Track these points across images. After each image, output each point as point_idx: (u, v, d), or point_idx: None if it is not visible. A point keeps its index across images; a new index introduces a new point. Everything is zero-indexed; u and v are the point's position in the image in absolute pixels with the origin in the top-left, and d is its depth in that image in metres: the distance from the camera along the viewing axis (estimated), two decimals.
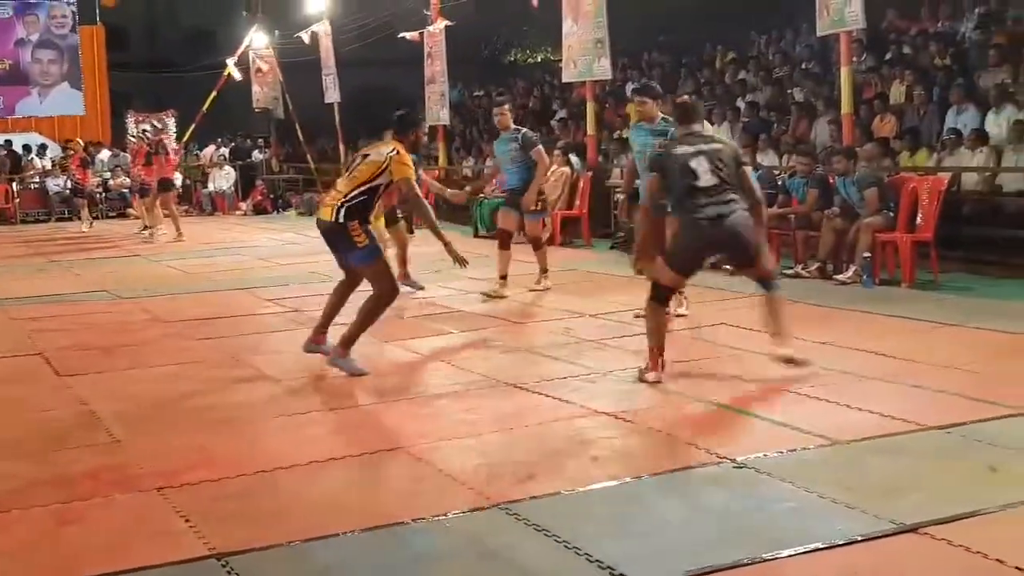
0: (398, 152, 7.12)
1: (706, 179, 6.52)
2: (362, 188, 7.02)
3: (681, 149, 6.68)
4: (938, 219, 10.33)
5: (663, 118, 8.67)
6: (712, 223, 6.46)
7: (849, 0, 11.27)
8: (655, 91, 8.99)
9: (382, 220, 10.17)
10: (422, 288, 10.69)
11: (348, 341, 7.10)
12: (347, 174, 7.22)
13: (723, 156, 6.65)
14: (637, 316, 8.76)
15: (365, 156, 7.21)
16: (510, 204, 10.56)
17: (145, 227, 18.82)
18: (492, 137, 22.16)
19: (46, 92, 29.60)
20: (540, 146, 10.43)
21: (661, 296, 6.71)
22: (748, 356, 7.14)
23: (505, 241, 10.42)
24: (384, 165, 7.04)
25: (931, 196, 10.43)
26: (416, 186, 7.33)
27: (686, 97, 8.23)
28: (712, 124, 15.65)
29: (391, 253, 10.03)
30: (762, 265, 6.78)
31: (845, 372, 6.41)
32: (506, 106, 10.80)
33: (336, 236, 7.08)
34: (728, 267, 9.25)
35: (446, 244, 7.49)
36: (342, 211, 6.99)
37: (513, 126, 10.56)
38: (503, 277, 10.24)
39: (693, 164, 6.55)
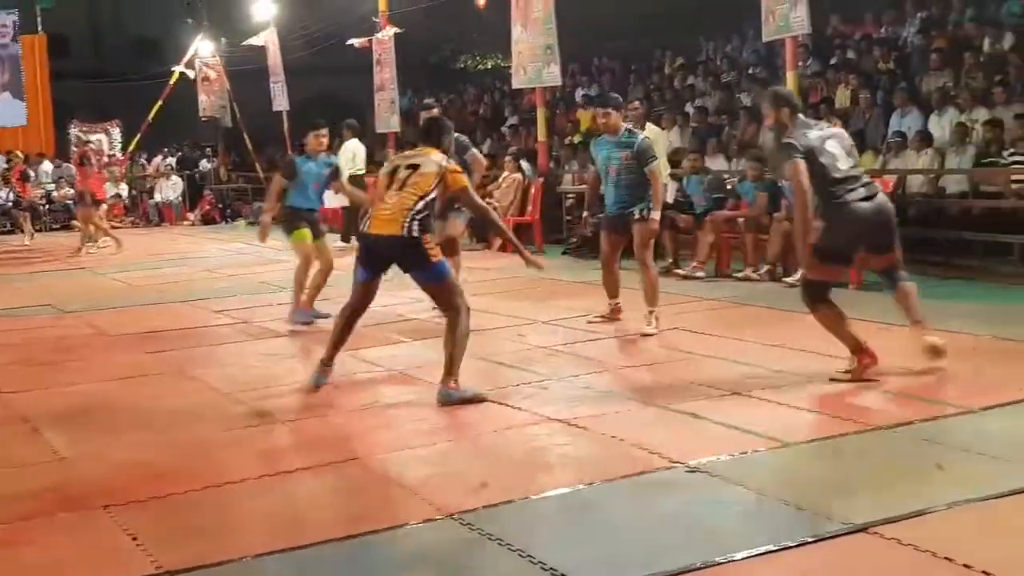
0: (449, 161, 6.74)
1: (845, 162, 6.32)
2: (424, 200, 6.46)
3: (814, 133, 6.36)
4: None
5: (627, 129, 8.52)
6: (868, 204, 6.24)
7: (795, 5, 11.35)
8: (617, 101, 8.78)
9: (308, 234, 9.28)
10: (326, 316, 8.94)
11: (452, 370, 6.44)
12: (395, 185, 6.51)
13: (845, 139, 6.54)
14: (591, 322, 8.79)
15: (414, 167, 6.57)
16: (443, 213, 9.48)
17: (89, 240, 18.55)
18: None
19: None
20: (473, 149, 9.86)
21: (820, 294, 6.40)
22: (700, 360, 7.17)
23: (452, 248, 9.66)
24: (440, 175, 6.55)
25: None
26: (475, 193, 7.01)
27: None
28: (662, 128, 15.78)
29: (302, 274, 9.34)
30: (897, 253, 6.59)
31: (795, 374, 6.44)
32: (324, 129, 9.59)
33: (406, 251, 6.46)
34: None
35: (520, 250, 7.21)
36: (414, 225, 6.39)
37: (325, 151, 9.62)
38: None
39: (830, 147, 6.31)
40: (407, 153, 6.91)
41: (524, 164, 16.33)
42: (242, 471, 5.19)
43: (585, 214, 9.32)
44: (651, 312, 8.28)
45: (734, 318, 8.74)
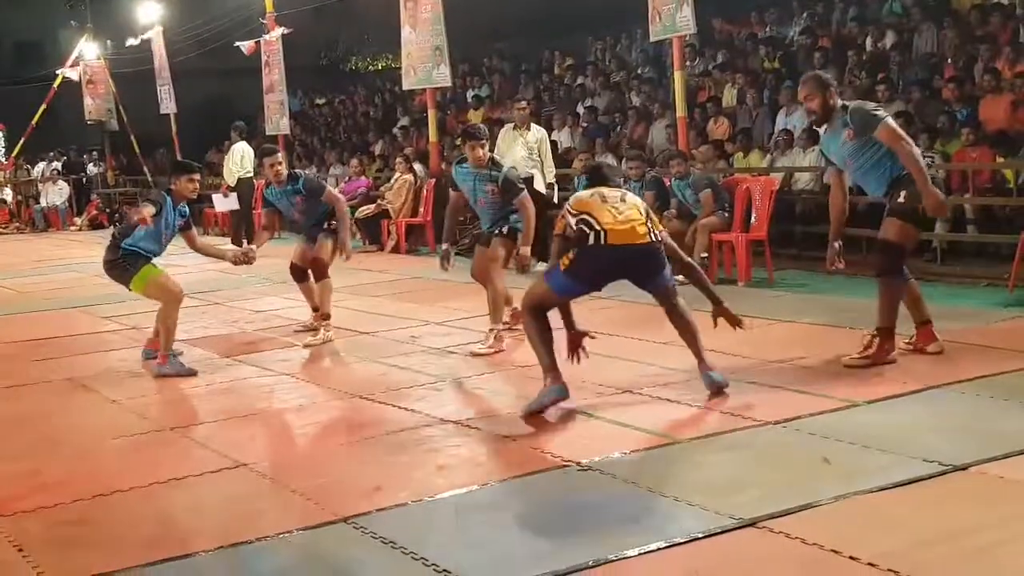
0: None
1: None
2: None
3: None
4: (771, 218, 10.67)
5: (491, 159, 8.19)
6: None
7: (680, 6, 11.54)
8: (485, 133, 8.31)
9: (153, 267, 7.85)
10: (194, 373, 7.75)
11: (703, 356, 6.16)
12: (612, 204, 5.98)
13: None
14: (473, 352, 8.57)
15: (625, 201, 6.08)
16: (310, 238, 8.92)
17: None
18: (335, 145, 22.11)
19: None
20: (327, 188, 8.98)
21: (900, 264, 6.53)
22: (594, 360, 7.20)
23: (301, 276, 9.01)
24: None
25: (764, 196, 10.77)
26: None
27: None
28: (552, 129, 15.89)
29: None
30: None
31: (685, 371, 6.54)
32: (279, 154, 9.02)
33: (656, 258, 6.09)
34: None
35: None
36: (653, 232, 6.04)
37: (287, 175, 8.79)
38: (327, 316, 8.71)
39: None
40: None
41: (417, 166, 16.33)
42: (131, 479, 5.11)
43: (444, 246, 8.62)
44: (491, 330, 7.90)
45: (625, 317, 8.84)
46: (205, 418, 6.37)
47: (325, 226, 8.74)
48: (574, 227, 5.96)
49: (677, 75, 12.41)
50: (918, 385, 5.99)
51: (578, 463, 4.97)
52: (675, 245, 6.42)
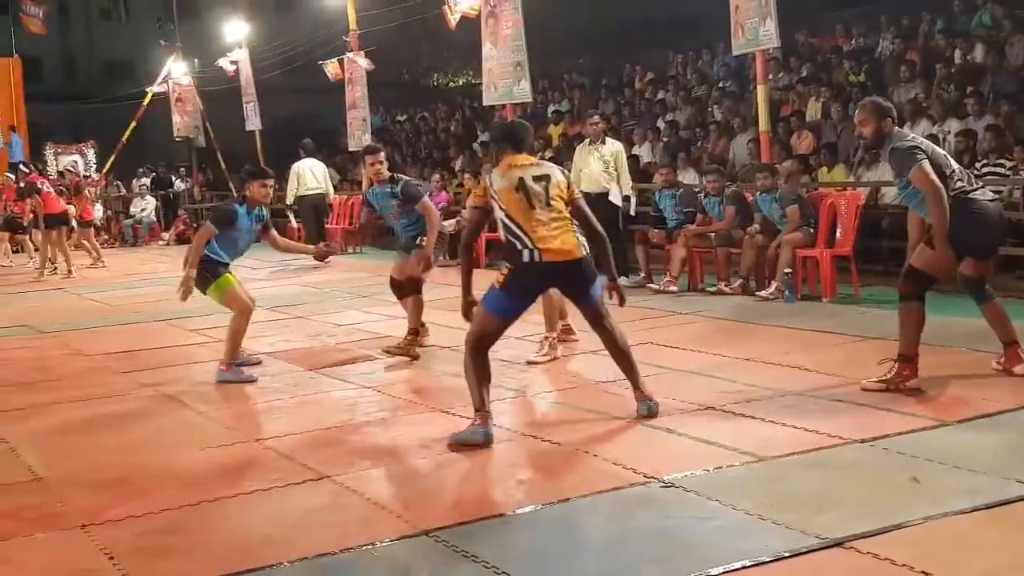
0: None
1: (955, 163, 6.39)
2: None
3: (921, 139, 6.44)
4: (857, 233, 10.51)
5: (391, 176, 8.67)
6: (993, 204, 6.29)
7: (764, 20, 11.45)
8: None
9: (231, 277, 8.21)
10: (259, 362, 8.60)
11: (639, 382, 6.21)
12: (533, 199, 5.96)
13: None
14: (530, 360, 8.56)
15: (545, 177, 6.08)
16: (408, 249, 8.89)
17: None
18: (416, 161, 22.28)
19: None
20: (424, 197, 8.86)
21: (923, 290, 6.38)
22: (674, 374, 7.19)
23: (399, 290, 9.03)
24: (568, 188, 6.15)
25: (849, 211, 10.61)
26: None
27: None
28: (633, 144, 15.87)
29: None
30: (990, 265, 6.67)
31: (768, 388, 6.47)
32: (381, 153, 8.97)
33: (585, 271, 6.06)
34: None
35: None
36: (584, 242, 6.04)
37: (388, 177, 8.85)
38: (415, 331, 8.73)
39: (938, 149, 6.38)
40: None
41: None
42: (217, 490, 5.19)
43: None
44: (545, 338, 8.10)
45: (707, 332, 8.78)
46: (289, 430, 6.43)
47: (419, 241, 8.71)
48: (500, 223, 6.03)
49: (760, 89, 12.31)
50: (1010, 405, 5.86)
51: (660, 480, 4.93)
52: (587, 211, 6.24)
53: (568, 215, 6.03)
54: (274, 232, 8.58)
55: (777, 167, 11.67)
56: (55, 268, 17.86)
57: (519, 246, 5.90)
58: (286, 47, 26.76)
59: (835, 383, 6.62)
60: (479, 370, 5.94)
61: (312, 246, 8.99)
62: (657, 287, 11.36)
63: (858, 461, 5.13)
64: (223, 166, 25.61)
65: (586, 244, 6.03)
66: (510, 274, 5.98)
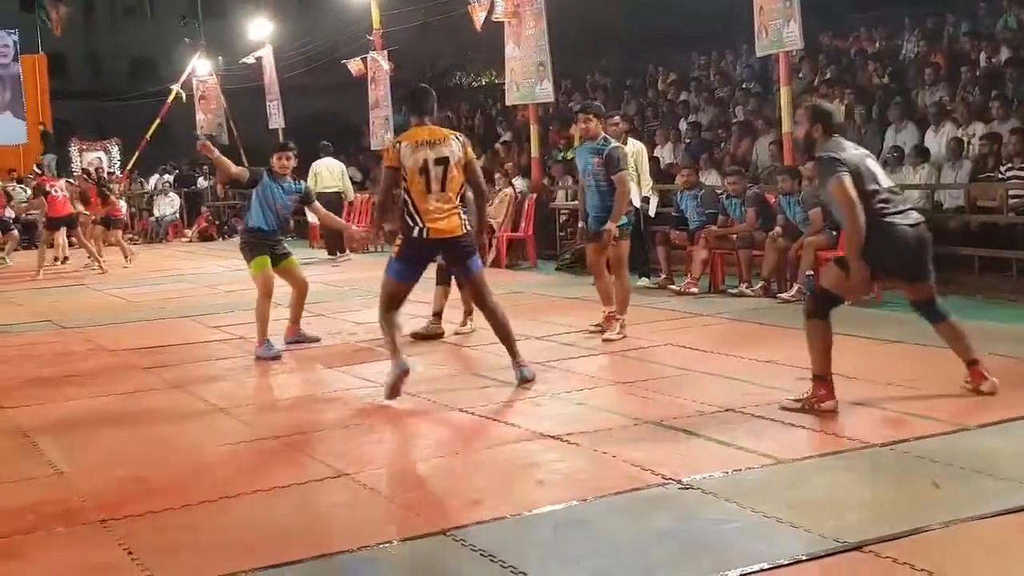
0: (462, 137, 7.16)
1: (886, 181, 6.14)
2: (459, 193, 7.01)
3: (852, 151, 6.11)
4: None
5: (604, 137, 8.75)
6: (913, 230, 6.04)
7: (787, 21, 11.42)
8: (598, 108, 9.07)
9: (267, 260, 8.84)
10: (317, 340, 9.38)
11: (515, 353, 7.23)
12: (432, 184, 6.85)
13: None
14: (589, 331, 8.82)
15: (444, 160, 6.89)
16: None
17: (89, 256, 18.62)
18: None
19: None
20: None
21: (826, 309, 6.18)
22: (694, 376, 7.18)
23: (442, 276, 9.44)
24: (464, 157, 7.01)
25: None
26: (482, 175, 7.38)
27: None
28: (655, 145, 15.84)
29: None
30: (931, 285, 6.37)
31: (789, 390, 6.44)
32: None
33: (463, 247, 7.04)
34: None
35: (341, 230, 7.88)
36: (465, 220, 6.99)
37: None
38: (470, 312, 9.35)
39: (871, 164, 6.11)
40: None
41: (517, 180, 16.40)
42: (237, 486, 5.21)
43: (581, 225, 9.32)
44: (617, 319, 8.69)
45: (728, 334, 8.76)
46: (309, 427, 6.44)
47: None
48: (401, 197, 6.95)
49: (784, 90, 12.28)
50: None
51: (679, 481, 4.92)
52: (478, 172, 7.21)
53: (456, 198, 6.95)
54: (317, 204, 9.53)
55: (800, 169, 11.62)
56: (60, 260, 18.05)
57: (411, 223, 6.91)
58: (309, 46, 26.84)
59: (855, 386, 6.58)
60: (390, 324, 7.04)
61: (348, 224, 10.05)
62: (678, 288, 11.34)
63: (878, 465, 5.11)
64: (246, 164, 25.67)
65: (468, 223, 6.99)
66: (403, 244, 7.00)
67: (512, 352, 7.20)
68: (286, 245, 9.21)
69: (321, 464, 5.56)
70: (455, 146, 6.97)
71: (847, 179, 5.89)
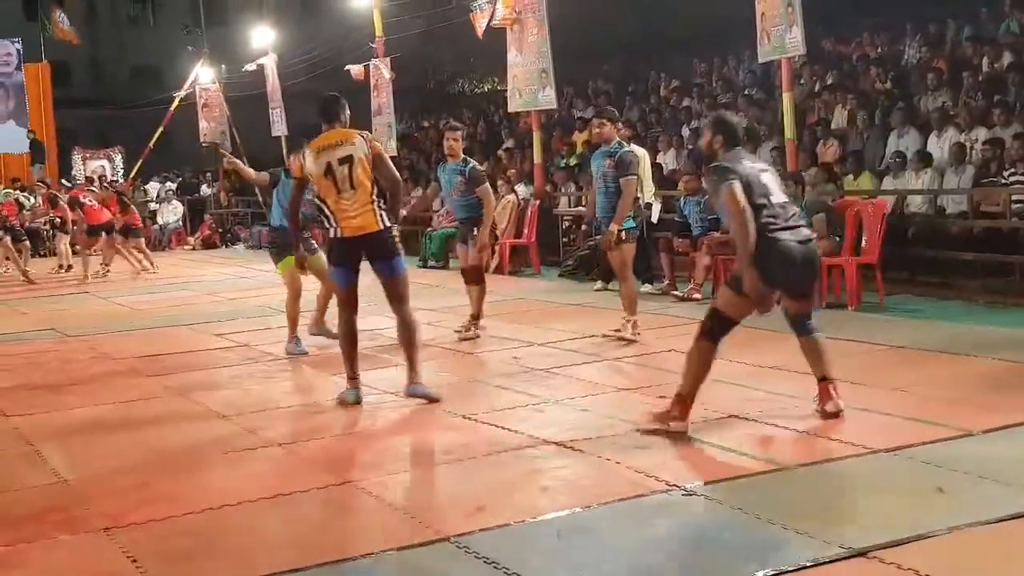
0: (366, 133, 7.15)
1: (780, 196, 6.02)
2: (374, 187, 6.96)
3: (748, 164, 6.03)
4: (883, 242, 10.45)
5: (618, 141, 8.90)
6: (800, 246, 5.92)
7: (790, 27, 11.42)
8: (612, 113, 9.27)
9: (292, 259, 8.91)
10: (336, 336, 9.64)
11: (415, 368, 7.09)
12: (340, 184, 6.88)
13: (777, 177, 6.25)
14: (605, 336, 8.85)
15: (348, 159, 6.91)
16: (464, 238, 9.69)
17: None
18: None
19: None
20: (487, 184, 9.61)
21: (718, 332, 6.02)
22: None
23: (471, 276, 9.70)
24: (370, 151, 6.98)
25: (875, 219, 10.55)
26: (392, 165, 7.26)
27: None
28: (657, 151, 15.84)
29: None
30: (812, 302, 6.35)
31: (792, 396, 6.44)
32: (459, 132, 9.88)
33: (384, 244, 6.97)
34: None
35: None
36: (384, 215, 6.95)
37: (463, 157, 9.63)
38: (476, 316, 9.61)
39: (765, 179, 6.01)
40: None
41: (520, 187, 16.41)
42: (239, 494, 5.20)
43: (584, 228, 9.45)
44: (628, 320, 8.83)
45: (731, 340, 8.68)
46: (311, 435, 6.44)
47: (475, 232, 9.44)
48: (314, 203, 7.19)
49: (786, 96, 12.28)
50: None
51: (683, 488, 4.91)
52: (389, 165, 7.09)
53: (370, 195, 6.90)
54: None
55: (803, 175, 11.62)
56: (106, 271, 18.12)
57: (327, 224, 7.00)
58: (312, 53, 26.85)
59: (860, 392, 6.57)
60: (346, 337, 7.21)
61: None
62: (681, 294, 11.32)
63: (882, 470, 5.10)
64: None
65: (386, 219, 6.92)
66: (327, 247, 7.18)
67: (412, 369, 7.07)
68: (313, 243, 9.30)
69: (324, 471, 5.56)
70: (359, 143, 6.97)
71: (737, 187, 5.82)
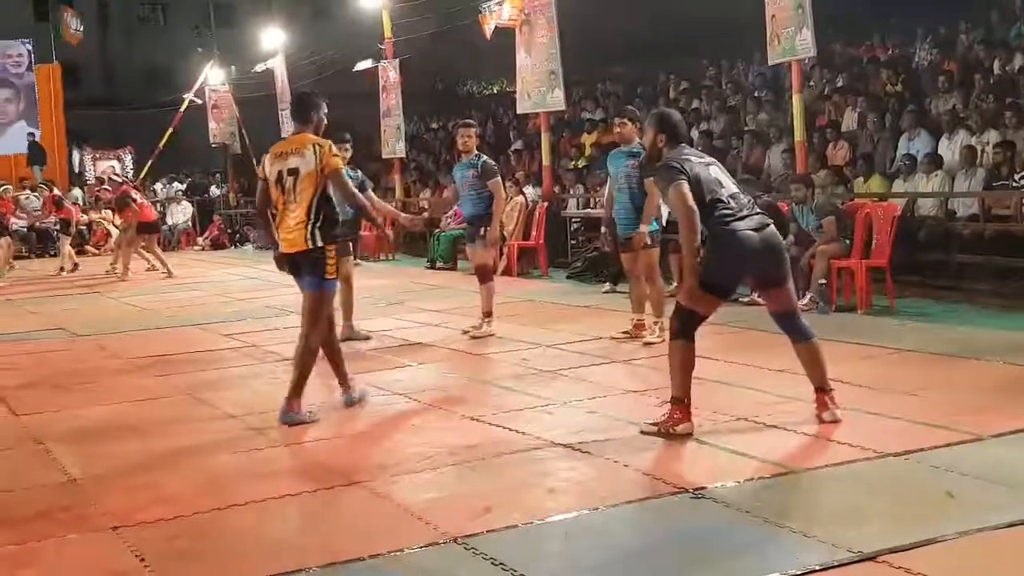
0: (323, 145, 6.72)
1: (730, 188, 5.99)
2: (317, 206, 6.63)
3: (695, 159, 6.02)
4: (893, 245, 10.42)
5: (639, 141, 8.73)
6: (757, 234, 5.84)
7: (800, 29, 11.39)
8: (633, 113, 9.22)
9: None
10: (368, 338, 9.83)
11: (298, 390, 6.70)
12: (287, 196, 6.66)
13: (723, 169, 6.20)
14: (614, 338, 8.86)
15: (295, 171, 6.64)
16: (472, 237, 9.85)
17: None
18: (450, 169, 22.31)
19: (2, 131, 29.41)
20: (498, 177, 9.81)
21: (690, 329, 5.97)
22: (707, 385, 7.13)
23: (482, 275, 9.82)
24: (319, 165, 6.62)
25: (885, 222, 10.53)
26: (349, 181, 7.07)
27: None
28: None
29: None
30: (791, 296, 6.14)
31: (801, 400, 6.40)
32: (473, 129, 10.16)
33: (310, 265, 6.68)
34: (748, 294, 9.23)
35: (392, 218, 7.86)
36: (318, 235, 6.63)
37: (475, 152, 9.85)
38: (488, 314, 9.72)
39: (713, 173, 5.98)
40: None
41: (528, 189, 16.41)
42: (247, 494, 5.20)
43: (604, 230, 9.34)
44: (655, 322, 8.80)
45: (740, 343, 8.73)
46: (320, 435, 6.44)
47: (482, 232, 9.57)
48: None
49: (796, 98, 12.26)
50: None
51: (691, 491, 4.90)
52: (345, 183, 6.88)
53: (306, 211, 6.63)
54: (370, 192, 9.56)
55: (813, 178, 11.59)
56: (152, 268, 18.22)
57: (275, 235, 6.87)
58: (321, 55, 26.88)
59: (869, 395, 6.57)
60: (310, 355, 6.84)
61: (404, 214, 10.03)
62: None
63: (892, 474, 5.08)
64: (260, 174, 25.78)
65: (317, 238, 6.62)
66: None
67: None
68: (348, 241, 9.51)
69: (332, 472, 5.55)
70: (309, 155, 6.63)
71: (685, 187, 5.81)
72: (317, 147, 6.67)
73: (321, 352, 6.96)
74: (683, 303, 5.95)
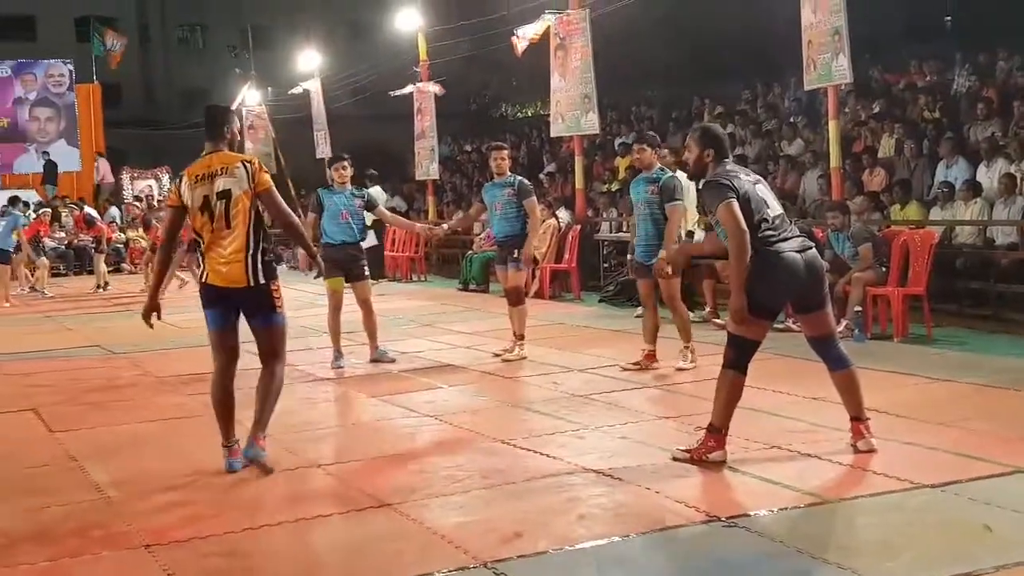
0: (252, 162, 6.13)
1: (776, 208, 5.91)
2: (255, 231, 6.03)
3: (744, 177, 5.93)
4: (931, 273, 10.32)
5: (660, 167, 8.84)
6: (801, 255, 5.78)
7: (836, 55, 11.35)
8: (652, 139, 9.18)
9: (340, 279, 9.64)
10: (394, 360, 9.81)
11: (259, 428, 6.19)
12: (216, 223, 6.00)
13: (769, 187, 6.11)
14: (624, 369, 8.78)
15: (226, 193, 5.99)
16: (503, 260, 9.77)
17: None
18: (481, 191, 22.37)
19: (43, 149, 29.78)
20: (534, 197, 9.87)
21: (744, 360, 5.91)
22: (738, 412, 7.05)
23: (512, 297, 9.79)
24: (252, 184, 6.01)
25: (923, 249, 10.44)
26: (282, 200, 6.21)
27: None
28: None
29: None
30: (830, 321, 6.06)
31: (836, 428, 6.35)
32: (505, 151, 10.18)
33: (252, 300, 6.07)
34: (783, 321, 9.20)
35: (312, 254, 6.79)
36: (262, 269, 6.02)
37: (509, 173, 9.84)
38: (520, 336, 9.72)
39: (761, 192, 5.89)
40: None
41: (560, 212, 16.41)
42: (279, 514, 5.21)
43: (629, 257, 9.36)
44: (686, 347, 8.84)
45: (774, 370, 8.65)
46: (351, 456, 6.44)
47: (515, 255, 9.57)
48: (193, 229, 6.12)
49: (832, 124, 12.20)
50: None
51: (723, 519, 4.86)
52: (279, 204, 6.13)
53: (244, 239, 5.97)
54: (381, 208, 10.15)
55: (848, 204, 11.52)
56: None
57: (200, 264, 6.15)
58: (357, 77, 27.04)
59: (905, 425, 6.50)
60: (224, 396, 6.30)
61: (419, 224, 10.43)
62: (723, 323, 11.23)
63: (928, 506, 5.02)
64: (293, 193, 25.92)
65: (262, 273, 5.98)
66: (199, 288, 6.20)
67: (257, 423, 6.16)
68: (364, 264, 9.75)
69: (363, 494, 5.55)
70: (240, 174, 6.00)
71: (735, 205, 5.73)
72: (247, 165, 6.06)
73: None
74: (733, 330, 5.90)
